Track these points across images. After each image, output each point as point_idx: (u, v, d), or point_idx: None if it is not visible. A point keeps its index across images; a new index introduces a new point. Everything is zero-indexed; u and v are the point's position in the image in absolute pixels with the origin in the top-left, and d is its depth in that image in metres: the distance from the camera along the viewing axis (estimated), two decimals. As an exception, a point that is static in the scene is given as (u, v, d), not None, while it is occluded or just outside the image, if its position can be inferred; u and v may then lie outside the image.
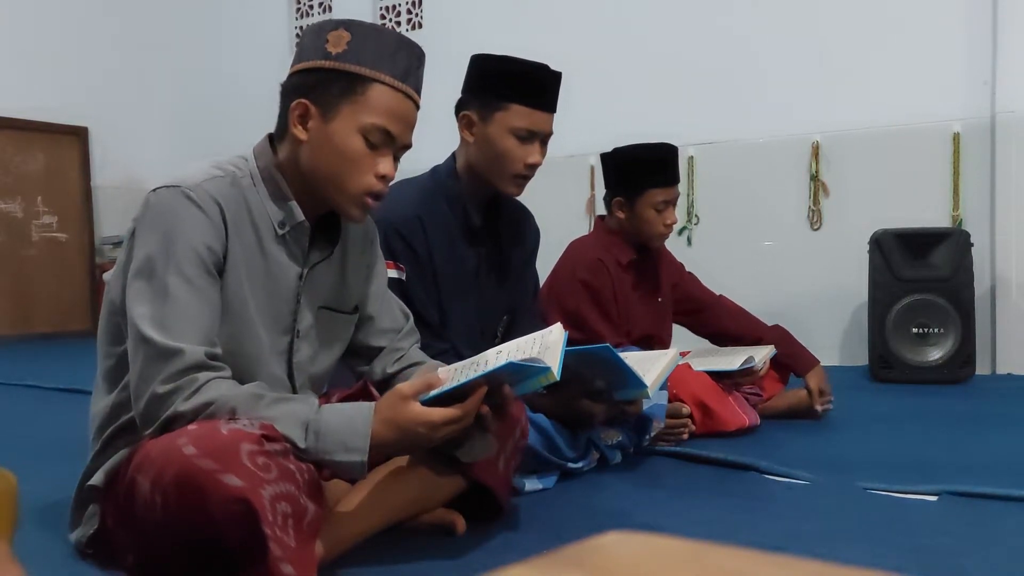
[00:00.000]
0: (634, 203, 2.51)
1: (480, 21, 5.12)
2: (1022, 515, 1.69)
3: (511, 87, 1.94)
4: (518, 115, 1.93)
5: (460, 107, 2.02)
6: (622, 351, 1.96)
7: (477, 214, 2.04)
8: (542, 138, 1.98)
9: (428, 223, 1.94)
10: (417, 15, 5.65)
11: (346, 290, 1.56)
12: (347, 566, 1.38)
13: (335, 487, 1.52)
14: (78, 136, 6.51)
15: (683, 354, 2.75)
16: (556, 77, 1.99)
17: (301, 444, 1.26)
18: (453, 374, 1.41)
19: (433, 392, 1.32)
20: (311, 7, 6.17)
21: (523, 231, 2.20)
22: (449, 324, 1.97)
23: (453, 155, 2.07)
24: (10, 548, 0.96)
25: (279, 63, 4.60)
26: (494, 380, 1.35)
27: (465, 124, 2.00)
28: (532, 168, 1.97)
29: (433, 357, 1.67)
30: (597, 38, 4.86)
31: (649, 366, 2.00)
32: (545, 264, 2.61)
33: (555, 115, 2.00)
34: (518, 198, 2.14)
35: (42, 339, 6.11)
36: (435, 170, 2.07)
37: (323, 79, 1.38)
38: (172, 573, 1.26)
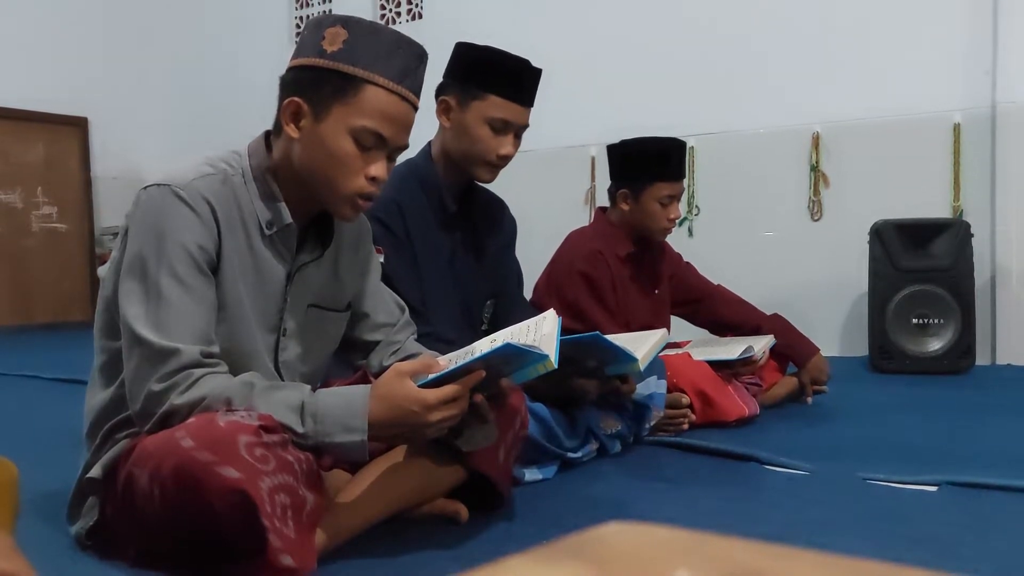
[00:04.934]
0: (639, 196, 2.50)
1: (480, 12, 5.09)
2: (1022, 505, 1.70)
3: (491, 78, 1.97)
4: (495, 106, 1.96)
5: (440, 91, 2.04)
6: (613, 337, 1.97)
7: (452, 200, 2.07)
8: (516, 130, 2.01)
9: (406, 208, 1.98)
10: (417, 5, 5.63)
11: (339, 288, 1.56)
12: (347, 556, 1.38)
13: (335, 477, 1.52)
14: (78, 127, 6.50)
15: (683, 344, 2.75)
16: (536, 73, 2.02)
17: (299, 429, 1.26)
18: (451, 363, 1.40)
19: (430, 376, 1.32)
20: (310, -3, 6.15)
21: (498, 220, 2.23)
22: (430, 307, 1.98)
23: (429, 142, 2.09)
24: (13, 539, 0.96)
25: (279, 53, 4.59)
26: (492, 365, 1.35)
27: (443, 108, 2.03)
28: (503, 159, 2.01)
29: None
30: (596, 28, 4.84)
31: (639, 344, 2.02)
32: (544, 255, 2.61)
33: (531, 109, 2.03)
34: (493, 189, 2.17)
35: (42, 329, 6.11)
36: (410, 157, 2.08)
37: (316, 78, 1.36)
38: (173, 564, 1.26)
